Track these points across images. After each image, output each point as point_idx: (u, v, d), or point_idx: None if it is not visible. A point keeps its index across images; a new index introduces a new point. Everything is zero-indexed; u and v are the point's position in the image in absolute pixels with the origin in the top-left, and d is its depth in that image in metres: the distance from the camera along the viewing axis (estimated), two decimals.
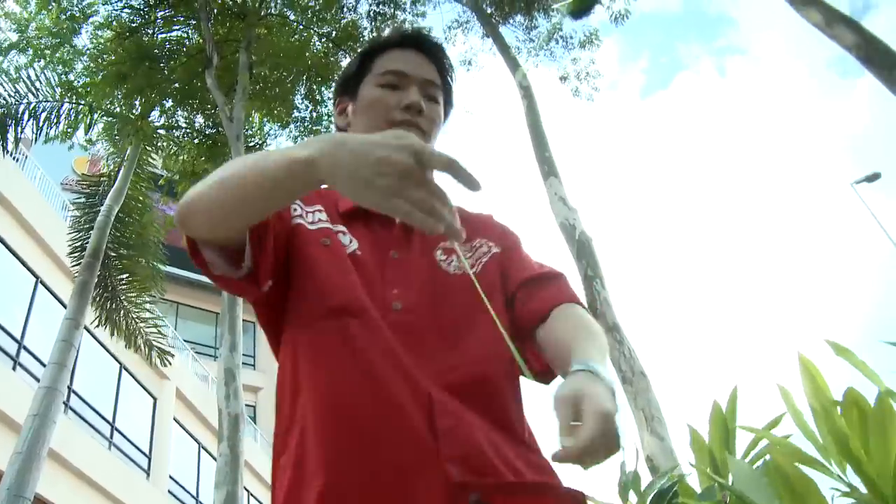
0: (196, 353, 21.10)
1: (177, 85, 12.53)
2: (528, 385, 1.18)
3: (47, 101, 11.05)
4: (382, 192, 0.81)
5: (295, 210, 1.20)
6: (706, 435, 3.11)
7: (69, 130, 11.72)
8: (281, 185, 0.92)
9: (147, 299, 12.10)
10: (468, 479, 0.96)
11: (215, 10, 12.52)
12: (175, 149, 13.01)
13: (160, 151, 13.09)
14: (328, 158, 0.86)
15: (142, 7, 12.25)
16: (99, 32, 13.01)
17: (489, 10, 15.33)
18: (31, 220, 12.73)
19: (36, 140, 11.66)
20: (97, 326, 11.78)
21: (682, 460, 6.19)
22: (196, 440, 17.98)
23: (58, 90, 11.30)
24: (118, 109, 12.37)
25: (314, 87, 13.37)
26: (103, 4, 12.91)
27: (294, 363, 1.10)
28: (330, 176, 0.86)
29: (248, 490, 17.73)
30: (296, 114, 13.62)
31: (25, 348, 11.99)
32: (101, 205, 11.08)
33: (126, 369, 15.29)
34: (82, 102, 11.68)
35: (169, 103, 13.01)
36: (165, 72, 12.47)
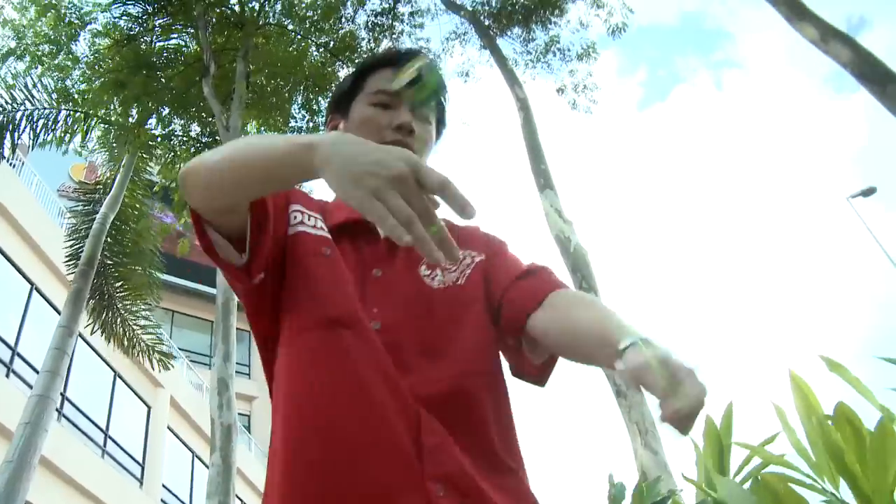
0: (191, 361, 21.00)
1: (174, 93, 12.52)
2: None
3: (44, 108, 11.04)
4: (367, 191, 0.81)
5: (296, 217, 1.20)
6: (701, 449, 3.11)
7: (66, 137, 11.70)
8: (280, 161, 0.95)
9: (143, 307, 12.05)
10: (450, 500, 0.96)
11: (214, 19, 12.55)
12: (171, 157, 12.99)
13: (156, 160, 13.07)
14: (328, 147, 0.88)
15: (140, 15, 12.24)
16: (97, 40, 13.03)
17: (487, 23, 15.38)
18: (27, 227, 12.70)
19: (33, 147, 11.65)
20: (93, 334, 11.73)
21: (675, 474, 6.19)
22: (190, 449, 17.90)
23: (54, 97, 11.29)
24: (115, 117, 12.36)
25: (311, 96, 13.39)
26: (102, 12, 12.94)
27: (286, 374, 1.10)
28: (324, 162, 0.88)
29: (241, 500, 17.64)
30: (292, 123, 13.60)
31: (19, 355, 11.94)
32: (98, 213, 11.06)
33: (120, 377, 15.23)
34: (79, 110, 11.68)
35: (166, 111, 13.01)
36: (163, 80, 12.47)
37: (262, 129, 13.77)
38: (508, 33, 15.90)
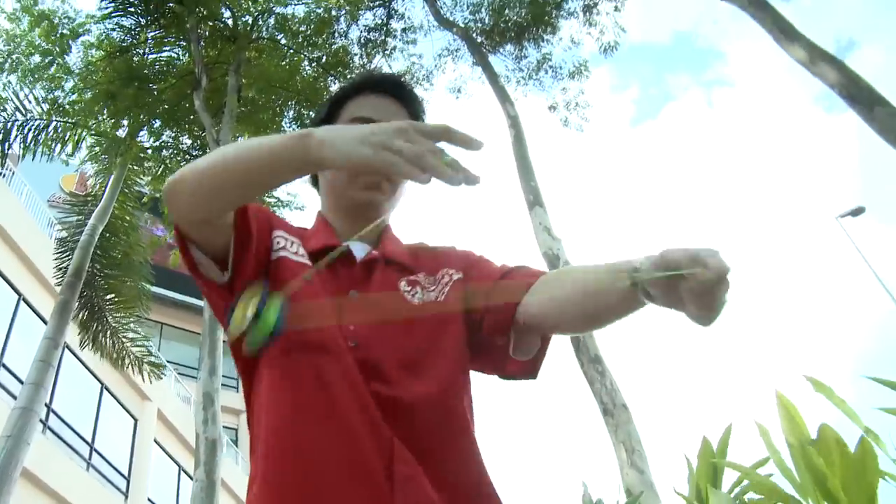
0: (179, 374, 20.84)
1: (165, 105, 12.52)
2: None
3: (35, 119, 11.02)
4: (374, 146, 0.85)
5: (279, 243, 1.21)
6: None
7: (56, 147, 11.66)
8: (277, 154, 0.95)
9: (132, 319, 11.98)
10: None
11: (206, 32, 12.58)
12: (162, 169, 12.96)
13: (147, 172, 13.05)
14: (322, 131, 0.91)
15: (133, 27, 12.25)
16: (90, 51, 13.03)
17: (479, 39, 15.44)
18: (17, 237, 12.62)
19: (23, 157, 11.61)
20: (82, 346, 11.65)
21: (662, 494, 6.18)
22: (176, 462, 17.76)
23: (45, 107, 11.27)
24: (105, 128, 12.34)
25: (303, 111, 13.39)
26: (94, 24, 12.95)
27: (263, 397, 1.10)
28: (322, 142, 0.90)
29: None
30: None
31: (5, 366, 11.83)
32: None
33: (108, 389, 15.12)
34: (70, 121, 11.66)
35: (157, 124, 13.00)
36: (154, 92, 12.47)
37: None
38: (501, 50, 15.98)
